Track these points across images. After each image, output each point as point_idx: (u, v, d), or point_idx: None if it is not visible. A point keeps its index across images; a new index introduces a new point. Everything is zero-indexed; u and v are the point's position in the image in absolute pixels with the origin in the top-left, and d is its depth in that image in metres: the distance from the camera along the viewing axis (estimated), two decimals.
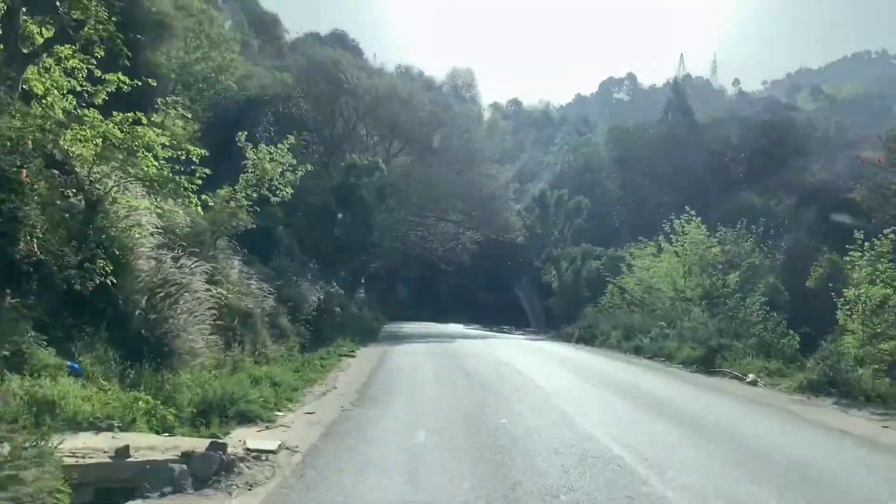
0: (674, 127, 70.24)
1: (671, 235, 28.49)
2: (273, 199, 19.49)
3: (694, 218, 28.22)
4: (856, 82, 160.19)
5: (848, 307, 16.93)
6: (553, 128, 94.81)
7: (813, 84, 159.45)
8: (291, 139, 19.73)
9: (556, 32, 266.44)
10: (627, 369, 18.29)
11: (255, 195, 19.33)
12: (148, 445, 6.49)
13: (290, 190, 19.44)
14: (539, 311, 55.10)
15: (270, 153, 19.11)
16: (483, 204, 38.56)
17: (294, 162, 19.31)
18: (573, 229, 42.91)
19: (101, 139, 10.14)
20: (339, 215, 27.47)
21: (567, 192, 43.45)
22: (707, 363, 18.18)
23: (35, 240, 7.91)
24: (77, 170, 10.18)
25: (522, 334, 45.87)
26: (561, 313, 42.71)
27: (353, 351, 19.57)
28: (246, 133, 19.43)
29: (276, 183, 19.29)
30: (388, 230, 38.58)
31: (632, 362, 20.19)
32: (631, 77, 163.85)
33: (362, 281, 43.48)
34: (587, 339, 28.87)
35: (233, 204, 18.28)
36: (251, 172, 18.99)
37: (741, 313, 24.01)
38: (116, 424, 6.96)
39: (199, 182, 11.15)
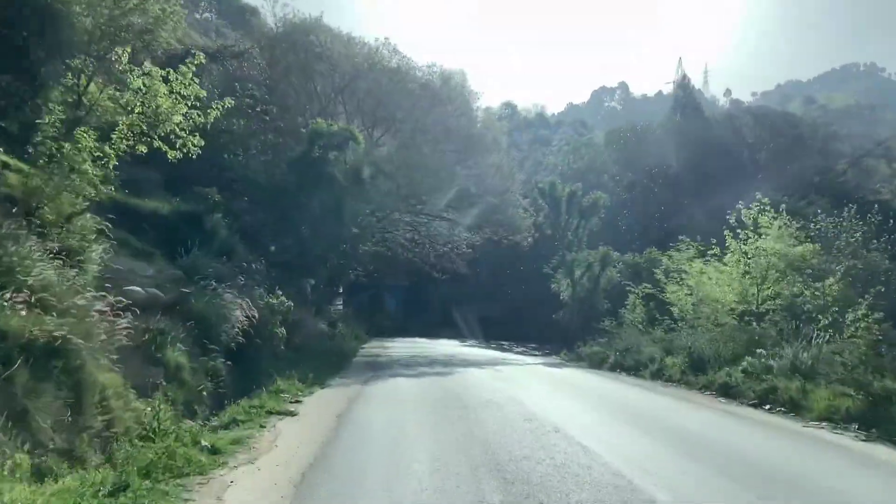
0: (683, 125, 63.29)
1: (737, 230, 21.13)
2: (171, 153, 11.98)
3: (767, 207, 20.90)
4: (845, 93, 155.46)
5: None
6: (549, 130, 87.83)
7: (803, 95, 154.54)
8: (201, 57, 12.29)
9: (545, 43, 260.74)
10: (759, 439, 10.63)
11: (143, 149, 11.90)
12: None
13: (197, 141, 11.93)
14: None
15: (167, 79, 11.64)
16: (486, 199, 30.94)
17: (204, 93, 11.79)
18: (588, 230, 35.43)
19: None
20: (302, 201, 19.79)
21: (581, 187, 36.06)
22: (881, 422, 10.63)
23: None
24: None
25: (524, 351, 38.32)
26: (576, 328, 35.11)
27: (297, 400, 11.83)
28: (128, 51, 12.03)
29: (178, 128, 11.83)
30: (370, 227, 30.93)
31: (739, 415, 12.52)
32: (623, 86, 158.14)
33: (340, 291, 35.74)
34: (627, 366, 21.23)
35: (101, 164, 10.98)
36: (136, 111, 11.60)
37: (845, 334, 16.81)
38: None
39: None
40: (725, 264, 20.98)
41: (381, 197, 28.01)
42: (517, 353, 37.87)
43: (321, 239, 20.95)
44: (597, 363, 24.45)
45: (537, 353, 37.72)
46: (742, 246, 20.65)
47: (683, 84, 65.43)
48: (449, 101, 30.54)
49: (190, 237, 17.26)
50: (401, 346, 30.73)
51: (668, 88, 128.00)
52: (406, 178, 28.66)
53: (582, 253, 34.68)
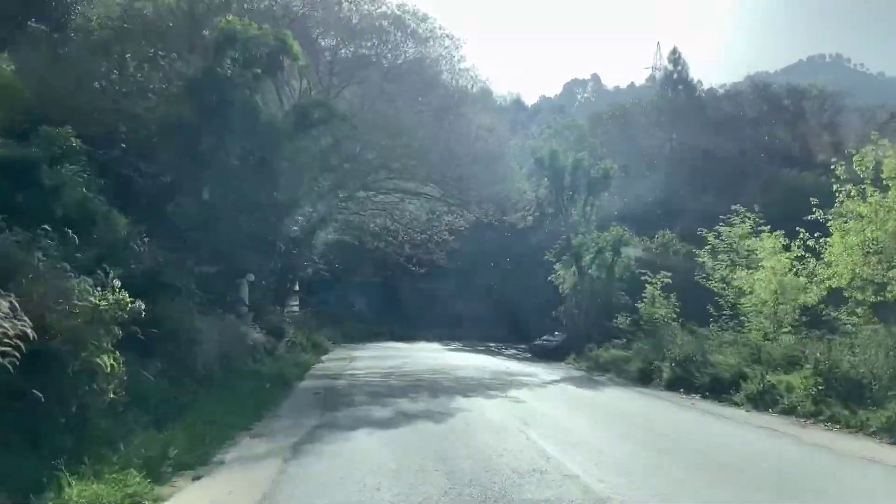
0: (676, 102, 57.02)
1: (846, 185, 14.42)
2: None
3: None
4: (813, 84, 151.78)
5: None
6: (527, 116, 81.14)
7: (773, 85, 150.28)
8: None
9: (513, 38, 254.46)
10: None
11: None
12: None
13: None
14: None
15: None
16: (474, 169, 23.90)
17: None
18: (598, 208, 28.56)
19: None
20: (207, 145, 12.50)
21: (587, 156, 29.20)
22: None
23: None
24: None
25: (516, 355, 31.54)
26: (584, 327, 28.23)
27: None
28: None
29: None
30: (331, 207, 23.80)
31: None
32: (595, 78, 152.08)
33: (296, 289, 28.42)
34: (699, 385, 14.27)
35: None
36: None
37: None
38: None
39: None
40: (840, 230, 14.17)
41: (343, 164, 20.82)
42: (510, 356, 31.02)
43: (247, 209, 13.76)
44: (636, 376, 17.54)
45: (530, 355, 30.90)
46: (859, 206, 13.94)
47: (675, 58, 59.12)
48: (424, 42, 23.32)
49: (12, 197, 10.20)
50: (372, 357, 23.57)
51: (640, 80, 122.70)
52: (375, 139, 21.48)
53: (590, 235, 27.78)
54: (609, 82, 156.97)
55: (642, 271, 27.09)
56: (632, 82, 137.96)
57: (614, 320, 26.55)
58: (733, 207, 20.24)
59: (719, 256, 20.19)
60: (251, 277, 19.13)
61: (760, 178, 43.70)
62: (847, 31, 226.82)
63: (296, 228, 21.48)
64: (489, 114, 27.68)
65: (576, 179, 27.77)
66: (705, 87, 66.65)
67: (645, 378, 16.93)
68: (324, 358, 22.21)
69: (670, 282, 25.56)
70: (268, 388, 12.63)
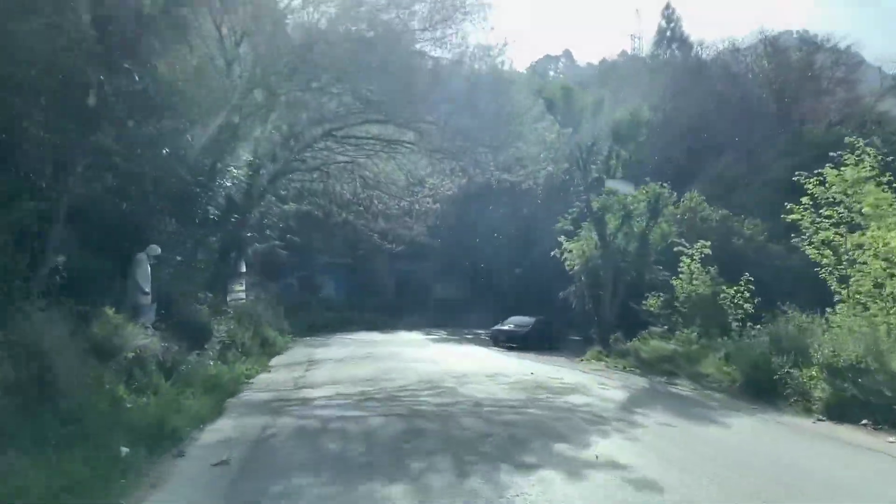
0: (672, 61, 51.11)
1: None
2: None
3: None
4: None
5: None
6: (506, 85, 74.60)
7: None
8: None
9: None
10: None
11: None
12: None
13: None
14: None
15: None
16: (471, 98, 17.59)
17: None
18: (624, 162, 22.09)
19: None
20: None
21: (607, 96, 22.68)
22: None
23: None
24: None
25: (507, 342, 25.41)
26: (606, 310, 22.03)
27: None
28: None
29: None
30: (281, 158, 17.34)
31: None
32: (567, 54, 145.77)
33: (243, 269, 21.69)
34: (891, 412, 8.23)
35: None
36: None
37: None
38: None
39: None
40: None
41: (291, 88, 14.26)
42: (505, 347, 24.95)
43: (95, 122, 7.14)
44: (738, 387, 11.42)
45: (539, 338, 24.80)
46: None
47: (668, 14, 53.11)
48: None
49: None
50: (340, 359, 17.11)
51: (612, 56, 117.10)
52: (341, 58, 14.94)
53: (615, 196, 21.43)
54: (581, 58, 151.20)
55: (675, 240, 21.58)
56: (604, 58, 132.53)
57: (643, 303, 20.95)
58: (847, 140, 14.23)
59: (822, 212, 14.23)
60: (156, 251, 12.53)
61: (777, 137, 38.23)
62: (812, 6, 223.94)
63: (230, 184, 14.84)
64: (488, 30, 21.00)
65: (596, 127, 21.42)
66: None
67: (760, 391, 10.77)
68: (273, 363, 15.71)
69: (710, 253, 19.98)
70: (123, 457, 6.14)
